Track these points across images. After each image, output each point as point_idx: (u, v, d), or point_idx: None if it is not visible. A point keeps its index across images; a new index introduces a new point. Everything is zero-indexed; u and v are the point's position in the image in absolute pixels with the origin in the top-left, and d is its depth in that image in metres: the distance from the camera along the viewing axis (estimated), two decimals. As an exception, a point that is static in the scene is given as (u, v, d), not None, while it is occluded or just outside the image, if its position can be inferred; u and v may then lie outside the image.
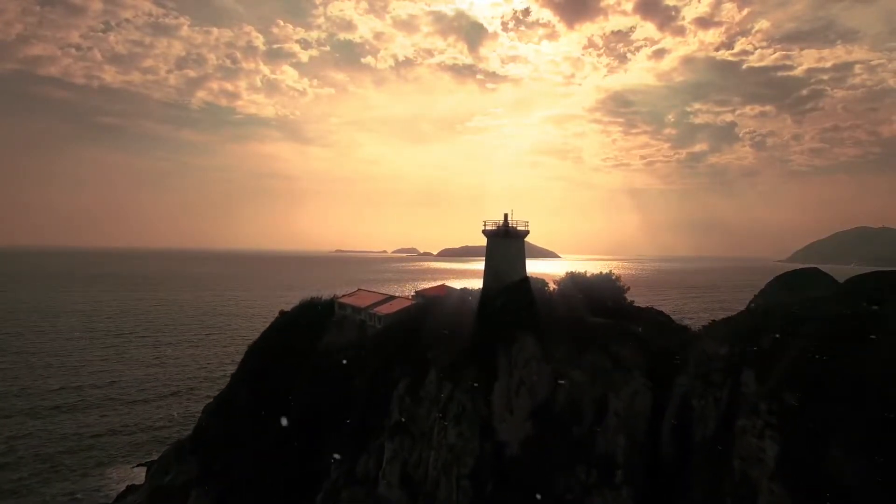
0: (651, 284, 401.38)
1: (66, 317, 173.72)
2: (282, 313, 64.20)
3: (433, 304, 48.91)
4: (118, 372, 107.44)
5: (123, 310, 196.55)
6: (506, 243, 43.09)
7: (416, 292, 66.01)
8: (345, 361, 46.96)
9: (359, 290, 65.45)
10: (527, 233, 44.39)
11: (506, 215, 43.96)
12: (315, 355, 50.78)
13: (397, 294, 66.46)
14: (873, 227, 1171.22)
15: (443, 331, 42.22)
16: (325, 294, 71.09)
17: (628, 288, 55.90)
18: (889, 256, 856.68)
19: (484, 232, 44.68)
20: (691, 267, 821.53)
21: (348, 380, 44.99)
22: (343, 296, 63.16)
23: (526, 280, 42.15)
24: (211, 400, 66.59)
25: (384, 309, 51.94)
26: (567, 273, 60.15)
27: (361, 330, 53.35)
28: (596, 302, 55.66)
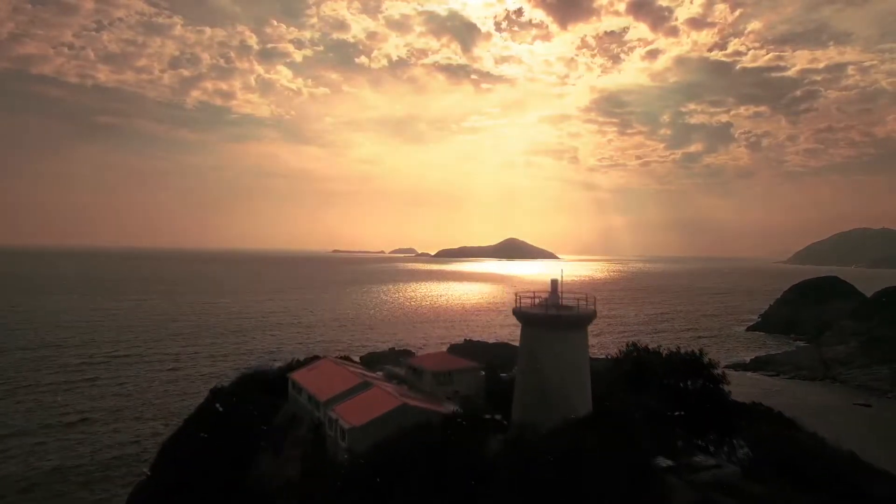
0: (652, 288, 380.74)
1: (37, 332, 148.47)
2: (214, 393, 45.08)
3: (431, 417, 30.09)
4: (56, 429, 79.76)
5: (96, 321, 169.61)
6: (559, 339, 23.61)
7: (401, 362, 47.18)
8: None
9: (324, 359, 46.19)
10: (593, 314, 25.21)
11: (554, 283, 24.81)
12: (240, 496, 31.66)
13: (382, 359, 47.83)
14: (873, 228, 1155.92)
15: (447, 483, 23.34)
16: (283, 355, 52.65)
17: (723, 374, 37.19)
18: (889, 258, 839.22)
19: (516, 313, 25.44)
20: (691, 268, 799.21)
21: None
22: (300, 368, 44.21)
23: (602, 418, 22.70)
24: (145, 477, 47.05)
25: (352, 414, 32.84)
26: (628, 344, 41.55)
27: (315, 442, 34.35)
28: (676, 392, 37.40)
